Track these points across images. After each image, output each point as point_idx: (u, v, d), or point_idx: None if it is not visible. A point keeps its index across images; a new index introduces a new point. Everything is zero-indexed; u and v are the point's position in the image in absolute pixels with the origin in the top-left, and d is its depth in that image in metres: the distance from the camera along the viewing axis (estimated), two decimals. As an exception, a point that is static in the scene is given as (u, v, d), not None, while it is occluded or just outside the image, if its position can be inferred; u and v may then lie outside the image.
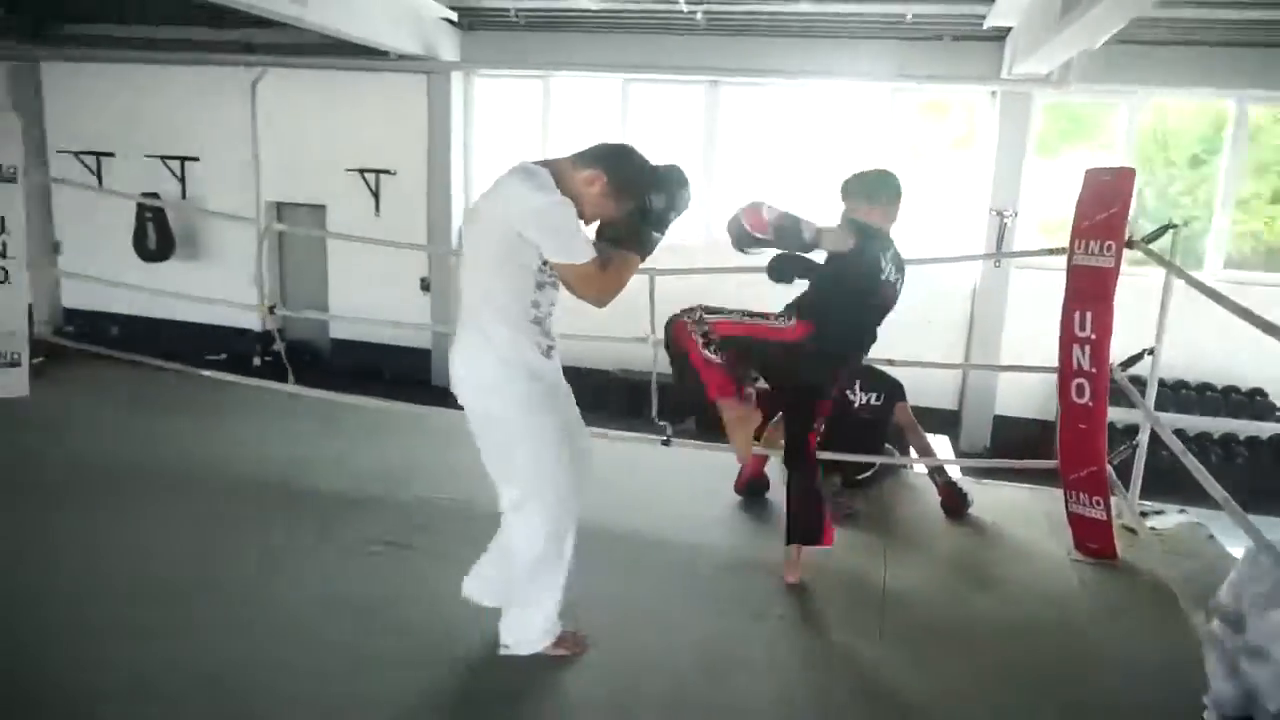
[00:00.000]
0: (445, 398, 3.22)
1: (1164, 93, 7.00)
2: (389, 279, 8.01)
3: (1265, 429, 6.52)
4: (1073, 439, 3.10)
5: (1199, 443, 6.38)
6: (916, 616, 2.88)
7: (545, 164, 2.37)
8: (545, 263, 2.34)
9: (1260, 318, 2.28)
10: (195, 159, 8.55)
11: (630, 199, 2.43)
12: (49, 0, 7.82)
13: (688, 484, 4.03)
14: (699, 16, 6.57)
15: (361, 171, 8.06)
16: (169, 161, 8.51)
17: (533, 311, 2.40)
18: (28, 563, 3.08)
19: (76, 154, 8.56)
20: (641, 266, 2.49)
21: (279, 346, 7.95)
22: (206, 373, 5.08)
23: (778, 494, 3.76)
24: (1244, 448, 6.44)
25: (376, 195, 8.11)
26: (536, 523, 2.47)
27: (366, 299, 8.08)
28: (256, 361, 8.41)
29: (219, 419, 4.85)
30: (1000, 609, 2.93)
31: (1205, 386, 6.71)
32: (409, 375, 8.21)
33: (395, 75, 7.79)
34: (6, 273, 4.36)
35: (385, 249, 7.26)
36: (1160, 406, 3.99)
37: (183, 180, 8.58)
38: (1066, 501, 3.19)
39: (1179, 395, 6.65)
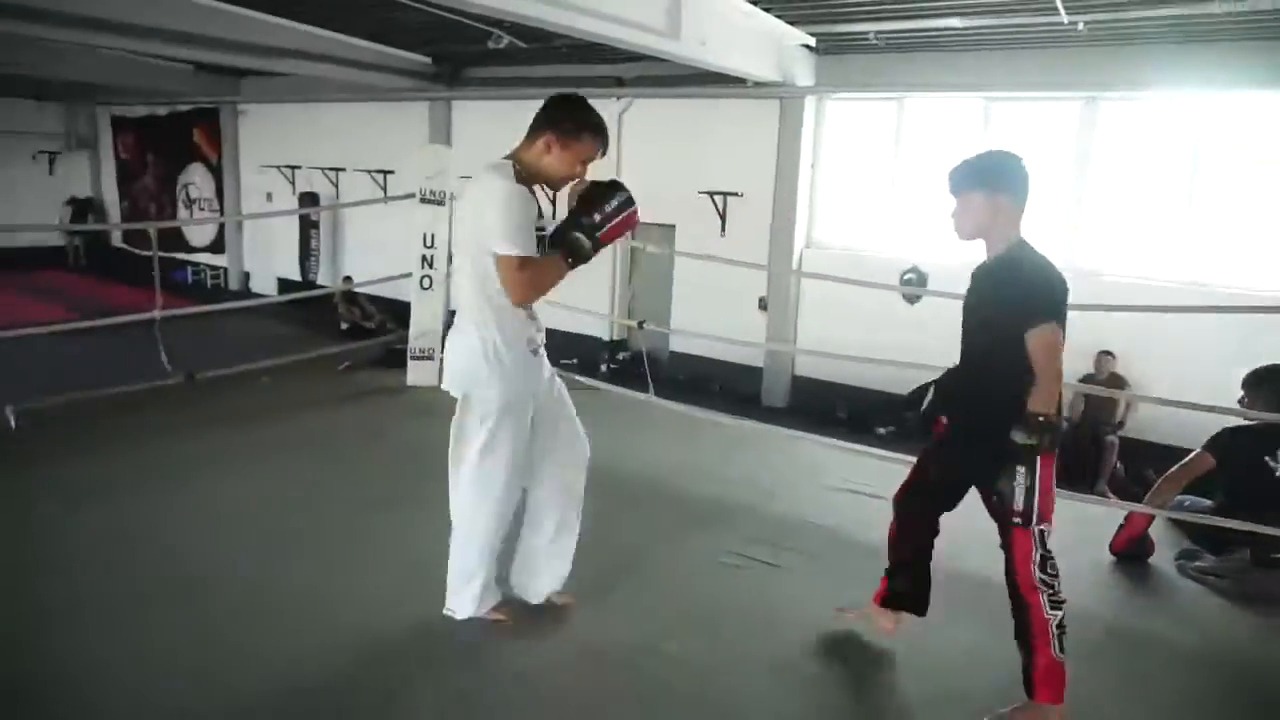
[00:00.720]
0: (777, 417, 3.25)
1: None
2: (729, 296, 8.30)
3: None
4: None
5: None
6: None
7: (509, 157, 2.54)
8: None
9: None
10: (565, 183, 9.51)
11: (582, 145, 2.51)
12: (466, 52, 9.14)
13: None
14: (1080, 27, 6.05)
15: (711, 194, 8.46)
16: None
17: (524, 309, 2.55)
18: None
19: (464, 178, 9.91)
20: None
21: (623, 355, 8.55)
22: (580, 378, 5.63)
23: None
24: None
25: (723, 216, 8.46)
26: (485, 508, 2.68)
27: (706, 314, 8.45)
28: (603, 368, 9.14)
29: (585, 420, 5.37)
30: None
31: None
32: (739, 391, 8.46)
33: (748, 101, 8.08)
34: (431, 281, 5.20)
35: (728, 267, 7.55)
36: None
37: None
38: None
39: None
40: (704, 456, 4.62)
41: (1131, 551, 3.35)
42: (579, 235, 2.49)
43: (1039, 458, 2.27)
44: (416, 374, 5.34)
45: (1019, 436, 2.24)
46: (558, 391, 2.81)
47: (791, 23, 6.78)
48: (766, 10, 6.45)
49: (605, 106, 9.21)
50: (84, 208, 15.81)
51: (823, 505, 3.93)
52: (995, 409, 2.33)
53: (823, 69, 7.80)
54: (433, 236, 5.16)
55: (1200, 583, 3.19)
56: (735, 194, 8.45)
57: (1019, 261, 2.42)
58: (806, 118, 7.99)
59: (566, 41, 7.76)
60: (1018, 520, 2.31)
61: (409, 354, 5.36)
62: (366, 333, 9.55)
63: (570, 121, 2.50)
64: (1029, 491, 2.29)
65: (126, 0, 6.63)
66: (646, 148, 8.92)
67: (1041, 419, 2.24)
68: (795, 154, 8.01)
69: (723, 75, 7.29)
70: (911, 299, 7.55)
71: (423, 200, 5.19)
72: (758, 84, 7.60)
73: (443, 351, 2.70)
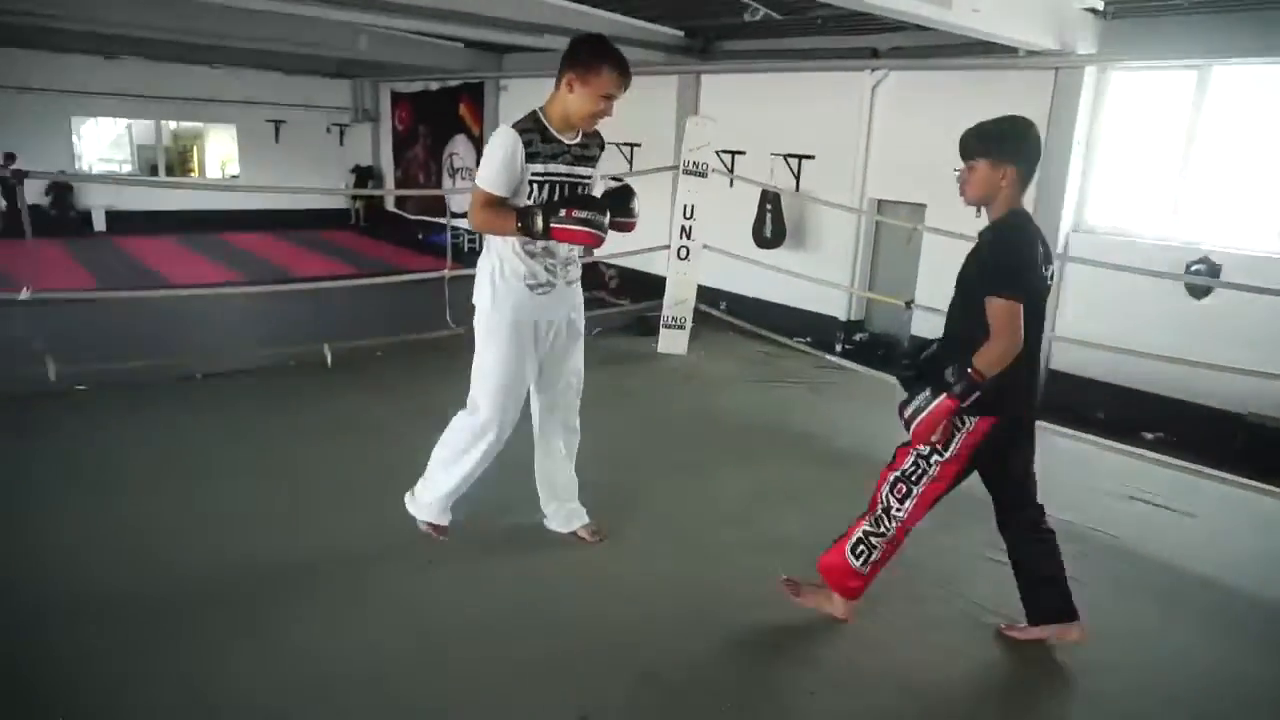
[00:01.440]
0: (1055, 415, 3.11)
1: None
2: (981, 281, 7.82)
3: None
4: None
5: None
6: None
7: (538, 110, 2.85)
8: (545, 199, 2.77)
9: None
10: (811, 157, 9.35)
11: (601, 80, 2.67)
12: (719, 26, 9.18)
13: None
14: None
15: (966, 171, 7.97)
16: (789, 159, 9.45)
17: (528, 247, 2.86)
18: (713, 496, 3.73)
19: (717, 152, 9.99)
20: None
21: (860, 337, 8.34)
22: (831, 357, 5.61)
23: None
24: None
25: (981, 195, 7.96)
26: (468, 418, 3.01)
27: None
28: (838, 348, 8.96)
29: (831, 400, 5.32)
30: None
31: None
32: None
33: (1017, 72, 7.53)
34: (688, 251, 5.34)
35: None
36: None
37: (798, 176, 9.46)
38: None
39: None
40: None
41: None
42: (537, 213, 2.71)
43: (949, 402, 2.43)
44: (668, 342, 5.52)
45: (948, 373, 2.45)
46: (573, 332, 3.06)
47: (1079, -16, 6.23)
48: (1052, -28, 5.96)
49: (858, 79, 9.02)
50: (365, 174, 17.60)
51: (1108, 514, 3.66)
52: (952, 356, 2.52)
53: (1108, 35, 7.09)
54: (692, 208, 5.27)
55: None
56: (995, 172, 7.91)
57: (1002, 231, 2.54)
58: (1085, 90, 7.31)
59: (823, 12, 7.58)
60: (905, 434, 2.57)
61: (662, 322, 5.54)
62: (605, 301, 9.95)
63: (587, 57, 2.67)
64: (917, 412, 2.48)
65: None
66: (901, 122, 8.57)
67: (971, 372, 2.42)
68: (1069, 129, 7.36)
69: (991, 45, 6.83)
70: (1199, 291, 6.76)
71: (685, 172, 5.32)
72: (1030, 53, 7.04)
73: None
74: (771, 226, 9.36)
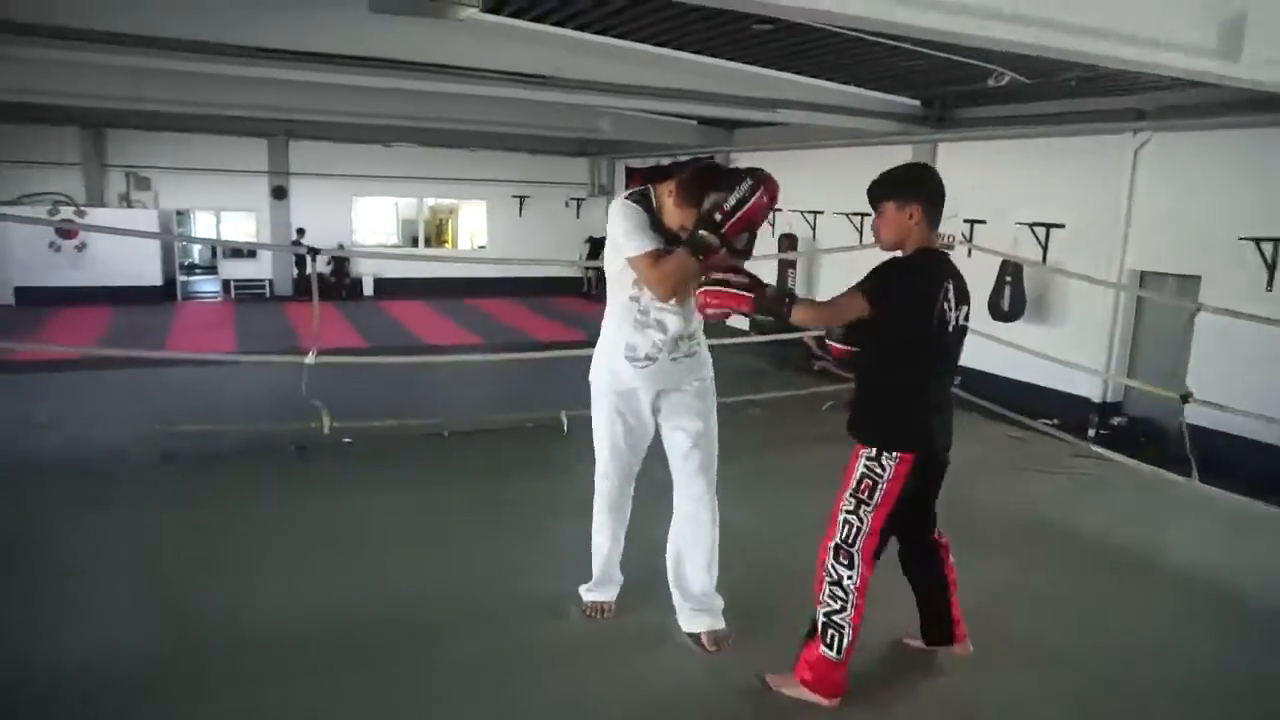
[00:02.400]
0: None
1: None
2: (1275, 362, 6.85)
3: None
4: None
5: None
6: None
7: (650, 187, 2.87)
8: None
9: None
10: (1061, 225, 8.71)
11: (693, 202, 2.65)
12: (958, 93, 8.88)
13: None
14: None
15: (1258, 241, 7.06)
16: (1034, 229, 8.85)
17: (637, 317, 2.84)
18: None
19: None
20: None
21: (1118, 421, 7.54)
22: (1096, 448, 5.12)
23: None
24: None
25: (1272, 267, 7.01)
26: (597, 482, 3.07)
27: (1238, 384, 7.05)
28: (1091, 433, 8.15)
29: (1088, 489, 4.82)
30: None
31: None
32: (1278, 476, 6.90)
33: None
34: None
35: (1273, 330, 6.21)
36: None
37: (1045, 246, 8.83)
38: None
39: None
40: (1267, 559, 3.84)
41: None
42: (701, 232, 2.61)
43: (749, 296, 2.68)
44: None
45: (780, 286, 2.90)
46: (688, 422, 2.94)
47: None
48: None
49: (1118, 143, 8.36)
50: (598, 245, 18.56)
51: None
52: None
53: None
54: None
55: None
56: (1289, 240, 6.96)
57: (896, 259, 2.67)
58: None
59: (1076, 74, 7.11)
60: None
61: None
62: (835, 374, 9.69)
63: (690, 185, 2.67)
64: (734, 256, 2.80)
65: (650, 68, 7.56)
66: (1168, 188, 7.79)
67: (787, 302, 2.66)
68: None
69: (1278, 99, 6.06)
70: None
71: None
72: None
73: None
74: (1010, 299, 8.77)
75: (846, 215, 11.11)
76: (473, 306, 16.00)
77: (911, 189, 2.67)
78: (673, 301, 2.78)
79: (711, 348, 3.14)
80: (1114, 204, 8.14)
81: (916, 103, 9.51)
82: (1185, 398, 5.01)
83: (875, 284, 2.58)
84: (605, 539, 3.13)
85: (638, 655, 3.04)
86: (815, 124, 9.47)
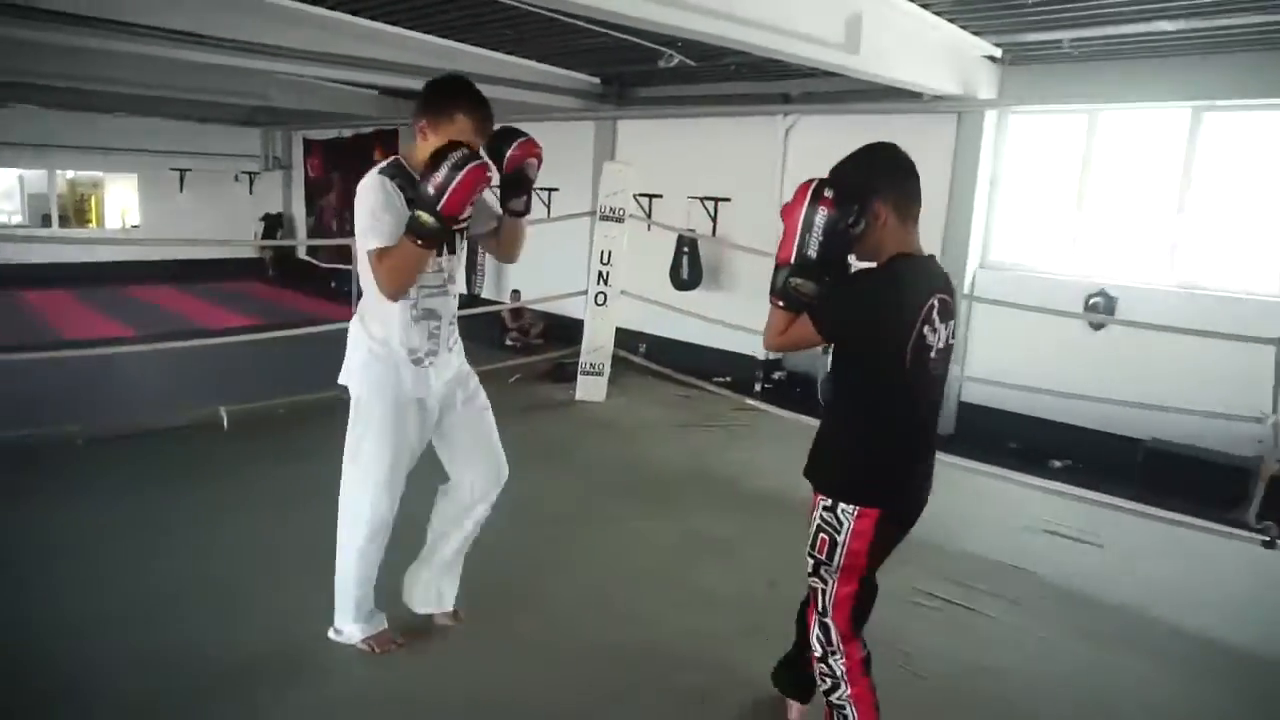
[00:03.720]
0: (943, 445, 3.00)
1: None
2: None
3: None
4: None
5: None
6: None
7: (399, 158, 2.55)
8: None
9: None
10: (727, 199, 9.47)
11: (456, 125, 2.40)
12: (635, 72, 9.27)
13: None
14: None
15: (880, 212, 8.17)
16: (705, 203, 9.55)
17: (411, 311, 2.52)
18: (597, 549, 3.60)
19: (635, 196, 10.03)
20: None
21: (778, 375, 8.40)
22: (751, 401, 5.57)
23: None
24: None
25: (893, 235, 8.16)
26: (349, 516, 2.64)
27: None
28: (757, 387, 9.00)
29: (751, 441, 5.30)
30: None
31: None
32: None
33: (922, 115, 7.78)
34: (605, 298, 5.28)
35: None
36: None
37: (715, 219, 9.56)
38: None
39: None
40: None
41: None
42: (418, 213, 2.36)
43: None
44: (586, 389, 5.43)
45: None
46: (472, 408, 2.69)
47: (977, 33, 6.47)
48: (951, 21, 6.18)
49: (771, 124, 9.18)
50: (275, 223, 17.14)
51: (1016, 546, 3.68)
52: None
53: (1007, 80, 7.40)
54: (609, 254, 5.22)
55: None
56: (906, 212, 8.13)
57: (863, 275, 2.23)
58: (986, 132, 7.61)
59: (736, 59, 7.72)
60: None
61: (580, 369, 5.46)
62: (528, 347, 9.82)
63: (439, 100, 2.43)
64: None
65: (315, 32, 7.08)
66: (813, 166, 8.71)
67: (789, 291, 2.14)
68: (973, 170, 7.63)
69: (897, 89, 7.04)
70: (1097, 325, 7.03)
71: (603, 217, 5.28)
72: (935, 98, 7.30)
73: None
74: (689, 269, 9.41)
75: (535, 191, 11.21)
76: (134, 296, 14.08)
77: (866, 183, 2.16)
78: (440, 280, 2.52)
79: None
80: (769, 179, 8.99)
81: (597, 80, 9.81)
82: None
83: (829, 310, 2.10)
84: (371, 568, 2.75)
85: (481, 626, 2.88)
86: (499, 98, 9.42)
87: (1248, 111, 6.50)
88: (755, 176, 9.12)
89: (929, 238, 8.46)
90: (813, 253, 2.01)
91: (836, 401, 2.23)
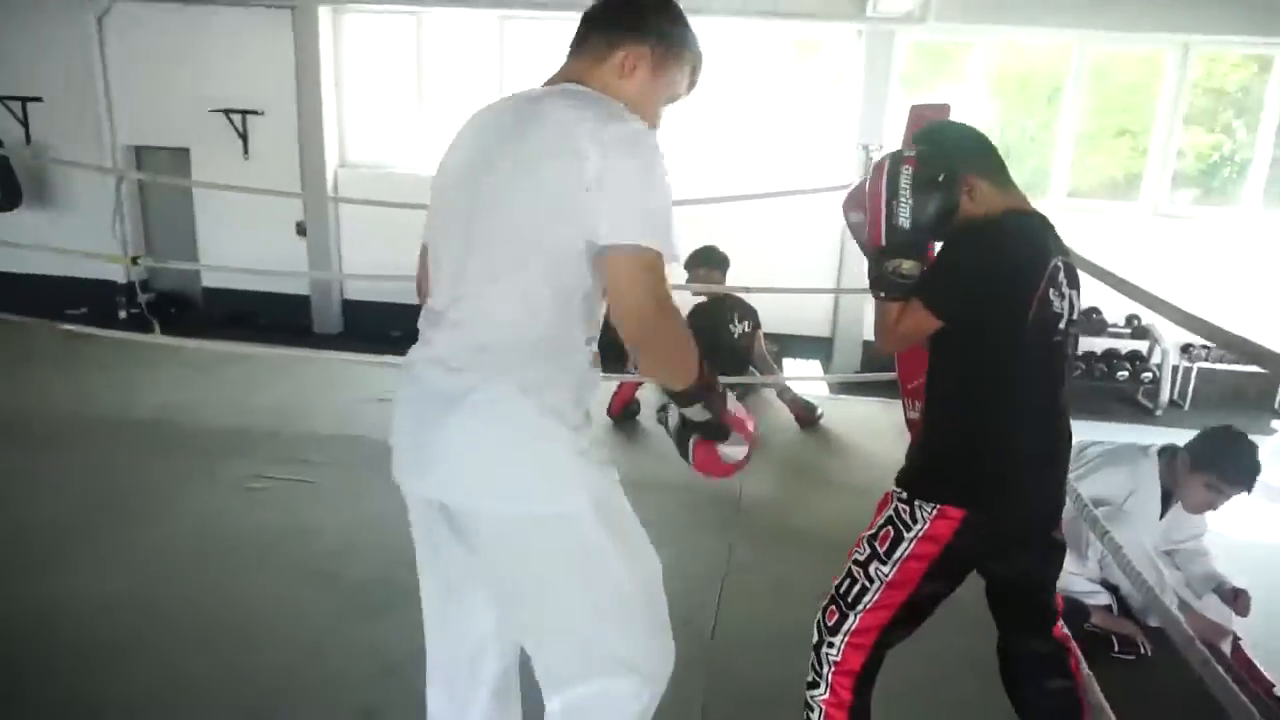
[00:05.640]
0: (331, 343, 3.18)
1: (1014, 31, 7.39)
2: (261, 223, 7.76)
3: (1097, 344, 7.31)
4: (906, 352, 3.39)
5: (1085, 360, 7.33)
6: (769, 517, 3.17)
7: (561, 88, 1.41)
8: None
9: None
10: (39, 99, 8.00)
11: (679, 73, 1.48)
12: None
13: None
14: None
15: (227, 112, 7.72)
16: (9, 102, 7.94)
17: (588, 345, 1.42)
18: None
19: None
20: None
21: (144, 298, 7.69)
22: (68, 326, 4.89)
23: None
24: (1080, 361, 7.11)
25: (244, 137, 7.80)
26: (625, 700, 1.45)
27: (239, 245, 7.84)
28: (122, 315, 8.08)
29: (84, 372, 4.72)
30: (839, 511, 3.22)
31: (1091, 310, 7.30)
32: (287, 322, 8.06)
33: (260, 10, 7.46)
34: None
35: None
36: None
37: (25, 123, 8.02)
38: (904, 409, 3.49)
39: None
40: (230, 391, 4.38)
41: (626, 412, 3.98)
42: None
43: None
44: None
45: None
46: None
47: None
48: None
49: (74, 10, 7.93)
50: None
51: (352, 417, 3.98)
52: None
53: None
54: None
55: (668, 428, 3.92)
56: (256, 112, 7.82)
57: (966, 233, 1.76)
58: (323, 31, 7.61)
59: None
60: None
61: None
62: None
63: (677, 30, 1.46)
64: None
65: None
66: (144, 62, 7.82)
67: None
68: (315, 70, 7.62)
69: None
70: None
71: None
72: (263, -8, 7.05)
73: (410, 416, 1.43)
74: (1, 186, 7.83)
75: None
76: None
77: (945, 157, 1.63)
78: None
79: None
80: (87, 77, 7.83)
81: None
82: (135, 259, 5.28)
83: (939, 282, 1.62)
84: None
85: None
86: None
87: (550, 22, 7.56)
88: (70, 72, 7.84)
89: (283, 144, 8.27)
90: (905, 221, 1.60)
91: (941, 399, 1.73)
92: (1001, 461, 1.65)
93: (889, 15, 7.03)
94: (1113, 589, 2.69)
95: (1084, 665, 1.76)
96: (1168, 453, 2.75)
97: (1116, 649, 2.57)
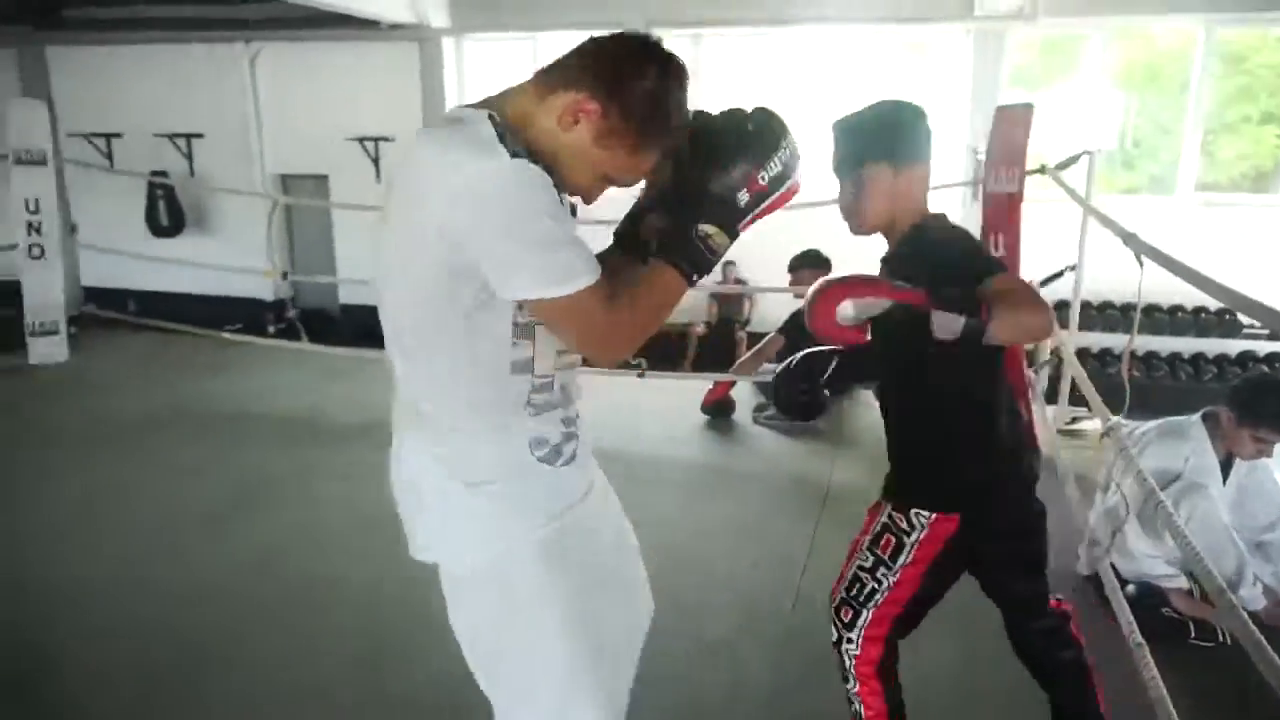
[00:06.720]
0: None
1: (1129, 21, 7.14)
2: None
3: (1232, 346, 6.77)
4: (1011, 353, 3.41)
5: (1170, 362, 6.68)
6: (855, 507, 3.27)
7: (484, 104, 1.28)
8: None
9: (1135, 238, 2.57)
10: (200, 135, 8.86)
11: (659, 141, 1.25)
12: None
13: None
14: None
15: (361, 140, 8.34)
16: (176, 139, 8.83)
17: (524, 387, 1.27)
18: (69, 501, 3.50)
19: (87, 136, 8.88)
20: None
21: (292, 313, 8.39)
22: (226, 334, 5.48)
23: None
24: (1213, 365, 6.68)
25: (376, 162, 8.40)
26: None
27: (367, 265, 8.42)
28: (271, 329, 8.79)
29: (239, 374, 5.29)
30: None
31: (1176, 308, 6.91)
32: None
33: (387, 44, 8.05)
34: (43, 249, 4.76)
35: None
36: (1129, 327, 4.28)
37: (189, 157, 8.90)
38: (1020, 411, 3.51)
39: (1152, 318, 6.85)
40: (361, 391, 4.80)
41: (718, 409, 4.17)
42: (705, 228, 1.27)
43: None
44: (42, 351, 4.93)
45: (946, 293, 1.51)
46: (615, 522, 1.51)
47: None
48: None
49: (233, 52, 8.71)
50: None
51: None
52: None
53: (457, 9, 7.95)
54: (37, 201, 4.72)
55: (767, 426, 4.06)
56: (387, 139, 8.41)
57: (939, 228, 1.85)
58: (447, 59, 8.13)
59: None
60: None
61: (28, 330, 4.92)
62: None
63: (653, 105, 1.23)
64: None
65: None
66: (289, 95, 8.56)
67: (983, 307, 1.47)
68: (440, 96, 8.13)
69: (359, 19, 7.20)
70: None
71: (18, 162, 4.72)
72: (394, 26, 7.59)
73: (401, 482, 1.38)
74: (167, 213, 8.72)
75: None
76: None
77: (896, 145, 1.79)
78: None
79: None
80: (241, 112, 8.63)
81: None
82: (284, 275, 5.82)
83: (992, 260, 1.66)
84: None
85: None
86: None
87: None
88: (226, 110, 8.66)
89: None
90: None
91: (920, 412, 1.76)
92: (985, 463, 1.72)
93: (996, 13, 6.93)
94: (1189, 573, 2.64)
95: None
96: (1212, 415, 2.74)
97: (1193, 635, 2.53)
